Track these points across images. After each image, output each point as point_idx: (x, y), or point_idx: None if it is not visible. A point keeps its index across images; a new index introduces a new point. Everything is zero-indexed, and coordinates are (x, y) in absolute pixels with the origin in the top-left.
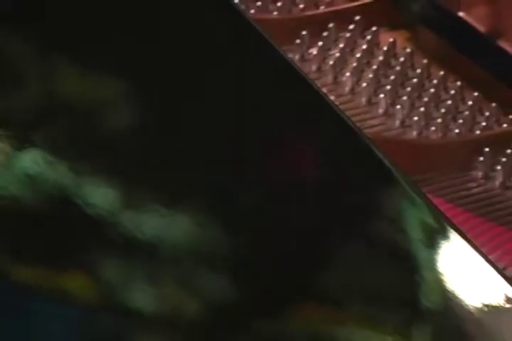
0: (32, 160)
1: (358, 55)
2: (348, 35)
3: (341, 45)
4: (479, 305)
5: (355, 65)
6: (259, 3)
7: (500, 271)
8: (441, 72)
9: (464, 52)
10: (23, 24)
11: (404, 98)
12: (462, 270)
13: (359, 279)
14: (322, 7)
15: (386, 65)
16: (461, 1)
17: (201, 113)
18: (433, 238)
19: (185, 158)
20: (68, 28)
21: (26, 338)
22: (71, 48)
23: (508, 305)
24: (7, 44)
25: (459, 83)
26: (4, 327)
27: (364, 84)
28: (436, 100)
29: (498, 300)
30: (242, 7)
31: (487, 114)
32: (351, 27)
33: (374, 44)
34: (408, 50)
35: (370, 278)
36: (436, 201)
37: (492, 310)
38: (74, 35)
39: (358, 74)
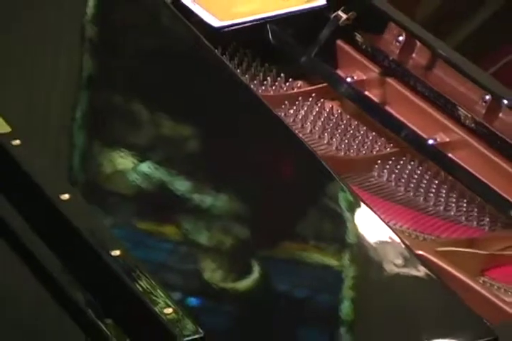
0: (147, 167)
1: (314, 113)
2: (308, 103)
3: (305, 108)
4: (376, 240)
5: (312, 118)
6: (263, 87)
7: (386, 223)
8: (356, 122)
9: (367, 112)
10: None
11: (337, 135)
12: (367, 222)
13: (315, 227)
14: (295, 89)
15: (328, 118)
16: (366, 85)
17: (233, 146)
18: (352, 207)
19: (226, 168)
20: (168, 98)
21: (146, 259)
22: (171, 109)
23: (389, 240)
24: (137, 107)
25: (364, 128)
26: (140, 254)
27: (317, 128)
28: (353, 136)
29: (385, 238)
30: (255, 89)
31: (379, 143)
32: (310, 99)
33: (322, 108)
34: (339, 110)
35: (321, 227)
36: (353, 188)
37: (381, 242)
38: (173, 102)
39: (314, 123)
